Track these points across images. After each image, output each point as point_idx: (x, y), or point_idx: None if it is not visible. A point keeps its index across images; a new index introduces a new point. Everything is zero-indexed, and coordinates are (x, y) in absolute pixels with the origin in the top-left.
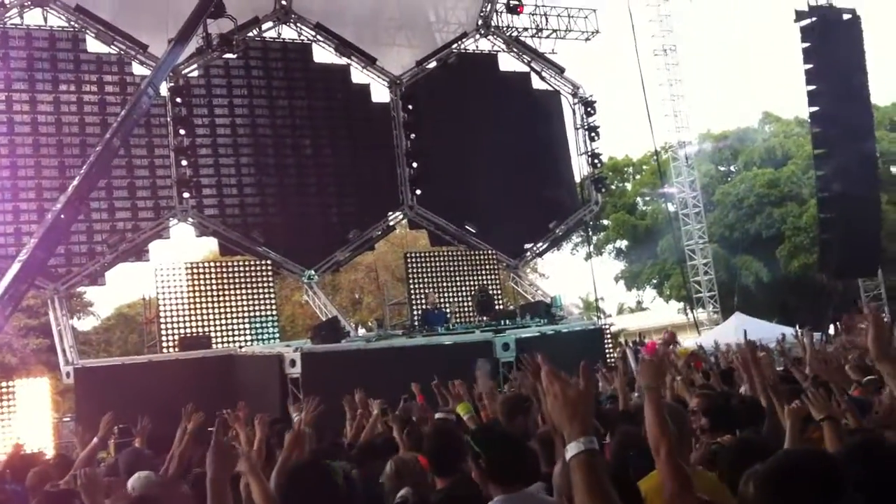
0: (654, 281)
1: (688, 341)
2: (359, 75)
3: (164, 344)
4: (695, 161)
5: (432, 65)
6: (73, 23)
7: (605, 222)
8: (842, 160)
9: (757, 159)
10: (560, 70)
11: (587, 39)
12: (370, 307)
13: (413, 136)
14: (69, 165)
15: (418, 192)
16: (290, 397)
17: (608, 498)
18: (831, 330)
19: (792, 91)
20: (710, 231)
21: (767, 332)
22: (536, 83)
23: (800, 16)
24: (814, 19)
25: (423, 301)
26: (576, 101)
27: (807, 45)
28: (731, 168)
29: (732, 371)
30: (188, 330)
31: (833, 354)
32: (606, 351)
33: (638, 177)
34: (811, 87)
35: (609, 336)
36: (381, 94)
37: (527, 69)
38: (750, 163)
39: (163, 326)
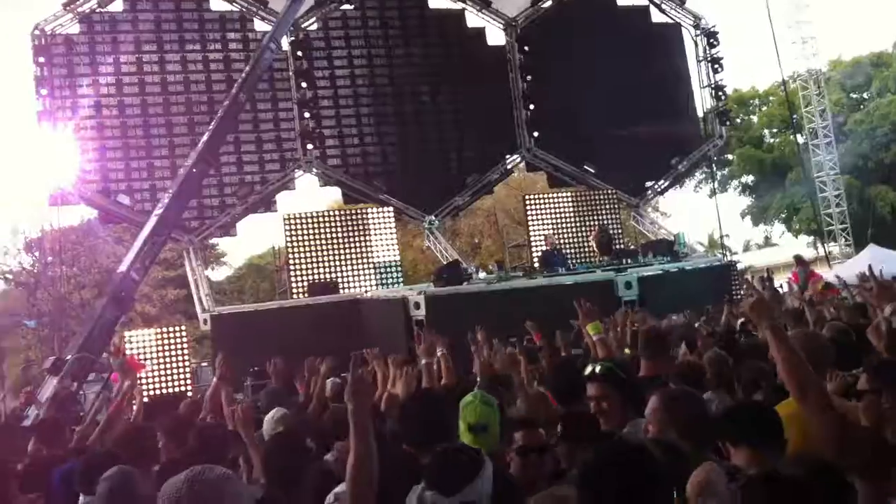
0: (783, 215)
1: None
2: (474, 19)
3: (294, 290)
4: (825, 89)
5: (548, 4)
6: None
7: (730, 157)
8: None
9: (892, 85)
10: (681, 1)
11: None
12: (490, 251)
13: (530, 77)
14: (198, 122)
15: (536, 134)
16: (417, 338)
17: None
18: None
19: None
20: (843, 161)
21: None
22: (656, 16)
23: None
24: None
25: (543, 243)
26: (698, 32)
27: None
28: (864, 95)
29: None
30: (316, 276)
31: None
32: (734, 288)
33: (764, 108)
34: None
35: (736, 273)
36: (496, 37)
37: (646, 2)
38: (884, 89)
39: (292, 274)
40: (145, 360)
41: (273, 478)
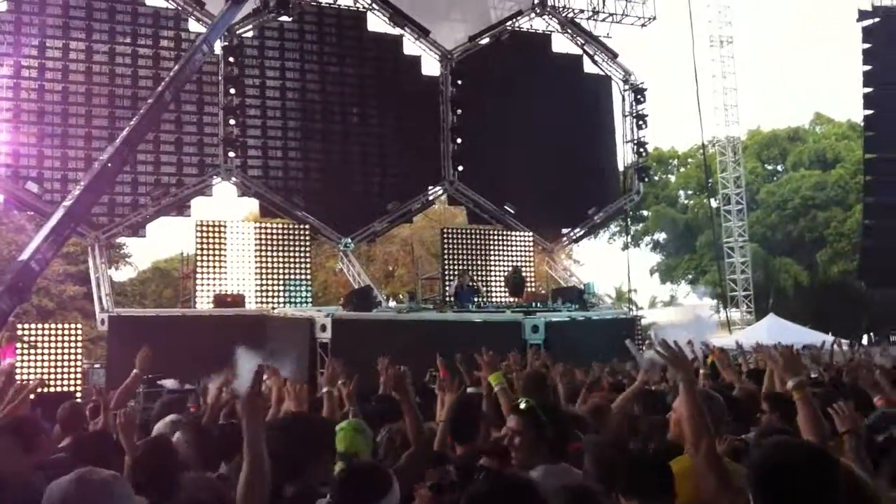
0: (690, 276)
1: (720, 340)
2: (411, 47)
3: (199, 300)
4: (742, 157)
5: (485, 41)
6: None
7: (645, 213)
8: (893, 166)
9: (806, 160)
10: (613, 55)
11: (643, 25)
12: (402, 280)
13: (460, 111)
14: (119, 117)
15: (460, 168)
16: (319, 361)
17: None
18: (864, 340)
19: (846, 93)
20: (752, 230)
21: (800, 336)
22: (588, 67)
23: (863, 15)
24: (877, 20)
25: (456, 278)
26: (626, 87)
27: (867, 45)
28: (779, 167)
29: (761, 371)
30: (223, 287)
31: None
32: (637, 341)
33: (682, 169)
34: (868, 90)
35: (640, 328)
36: (431, 67)
37: (579, 52)
38: (798, 163)
39: (198, 282)
40: (37, 355)
41: (140, 484)
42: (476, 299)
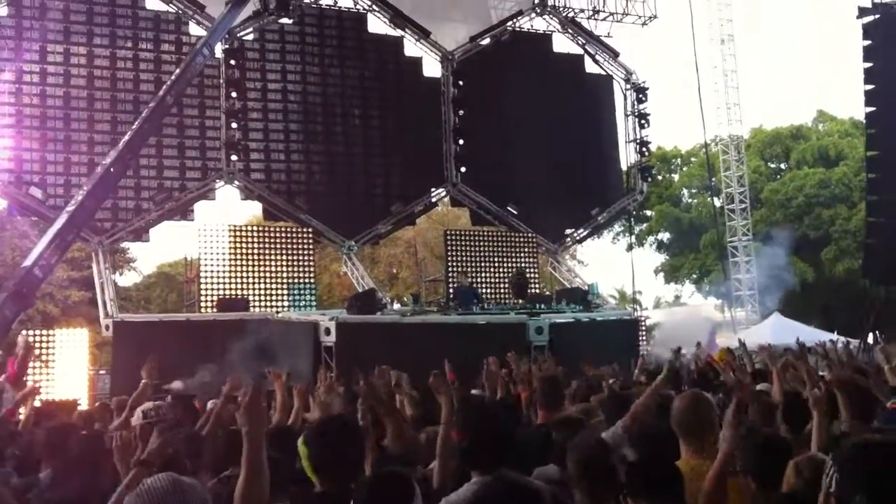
0: (694, 276)
1: (726, 340)
2: (412, 48)
3: (203, 304)
4: (745, 156)
5: (486, 42)
6: None
7: (649, 213)
8: None
9: (809, 158)
10: (614, 54)
11: (644, 24)
12: (406, 282)
13: (461, 112)
14: (122, 121)
15: (463, 169)
16: (323, 365)
17: None
18: (870, 338)
19: (848, 91)
20: (756, 229)
21: (805, 335)
22: (589, 66)
23: (863, 12)
24: (877, 16)
25: (456, 281)
26: (628, 86)
27: (868, 42)
28: (782, 166)
29: (766, 373)
30: (227, 292)
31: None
32: (640, 343)
33: (685, 168)
34: (869, 87)
35: (644, 329)
36: (432, 68)
37: (580, 51)
38: (801, 161)
39: (202, 287)
40: (43, 361)
41: None
42: (477, 300)
